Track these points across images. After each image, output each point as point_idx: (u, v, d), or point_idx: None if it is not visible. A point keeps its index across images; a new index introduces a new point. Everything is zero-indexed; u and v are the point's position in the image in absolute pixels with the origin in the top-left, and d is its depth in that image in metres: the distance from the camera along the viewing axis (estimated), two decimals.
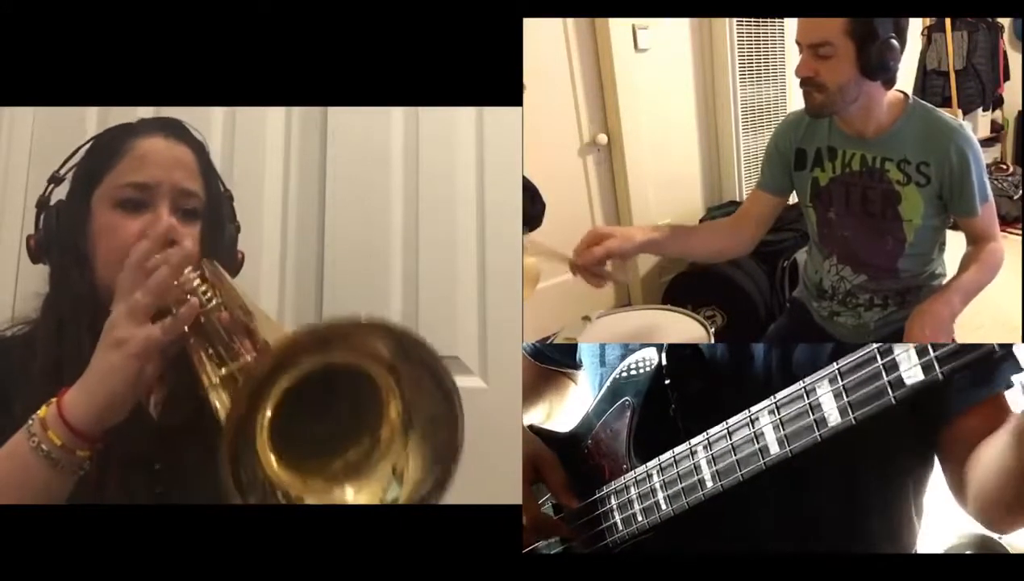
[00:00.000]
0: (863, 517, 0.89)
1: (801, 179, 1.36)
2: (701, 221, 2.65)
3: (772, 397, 0.77)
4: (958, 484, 0.87)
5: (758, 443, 0.78)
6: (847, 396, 0.73)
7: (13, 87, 1.10)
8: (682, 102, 2.62)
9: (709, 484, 0.82)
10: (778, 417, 0.76)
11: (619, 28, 2.32)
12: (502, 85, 1.18)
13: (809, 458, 0.76)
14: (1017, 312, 1.48)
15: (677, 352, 0.90)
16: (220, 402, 0.75)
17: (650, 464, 0.87)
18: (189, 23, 1.10)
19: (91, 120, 1.54)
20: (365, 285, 1.54)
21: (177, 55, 1.10)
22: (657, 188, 2.56)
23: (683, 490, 0.84)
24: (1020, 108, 3.74)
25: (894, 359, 0.70)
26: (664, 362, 0.90)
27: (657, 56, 2.46)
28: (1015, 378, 0.73)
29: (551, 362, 1.20)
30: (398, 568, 0.81)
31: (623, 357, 0.96)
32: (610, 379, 0.95)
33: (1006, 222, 2.92)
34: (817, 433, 0.74)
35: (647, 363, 0.92)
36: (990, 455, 0.80)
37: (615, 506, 0.90)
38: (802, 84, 1.24)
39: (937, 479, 0.94)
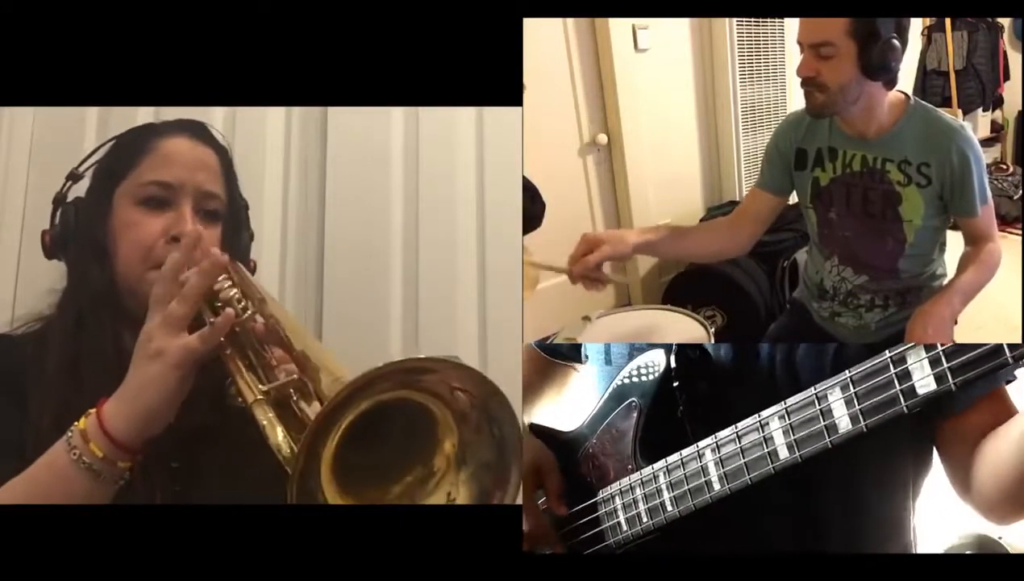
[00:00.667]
0: (863, 516, 0.89)
1: (802, 179, 1.35)
2: (701, 221, 2.64)
3: (783, 403, 0.77)
4: (961, 478, 0.87)
5: (767, 447, 0.78)
6: (858, 404, 0.73)
7: (13, 87, 1.10)
8: (682, 102, 2.62)
9: (716, 487, 0.81)
10: (788, 422, 0.76)
11: (619, 28, 2.31)
12: (502, 85, 1.17)
13: (810, 458, 0.76)
14: (1017, 312, 1.48)
15: (685, 354, 0.90)
16: (266, 419, 0.76)
17: (656, 465, 0.87)
18: (189, 23, 1.10)
19: (91, 120, 1.54)
20: (365, 285, 1.54)
21: (177, 55, 1.10)
22: (657, 188, 2.56)
23: (690, 492, 0.84)
24: (1020, 108, 3.74)
25: (907, 368, 0.70)
26: (673, 364, 0.90)
27: (657, 56, 2.46)
28: (1017, 372, 0.73)
29: (557, 357, 1.20)
30: (398, 568, 0.81)
31: (629, 356, 0.96)
32: (616, 381, 0.95)
33: (1006, 222, 2.92)
34: (828, 439, 0.74)
35: (654, 367, 0.91)
36: (998, 450, 0.80)
37: (620, 506, 0.90)
38: (803, 84, 1.24)
39: (937, 479, 0.94)
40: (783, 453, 0.77)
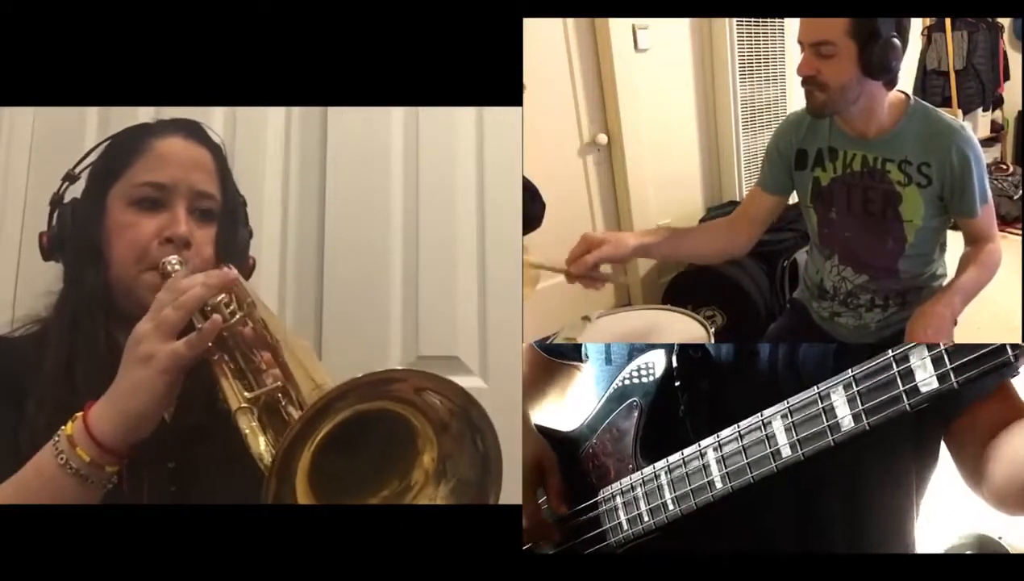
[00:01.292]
0: (865, 515, 0.89)
1: (802, 179, 1.35)
2: (701, 221, 2.65)
3: (785, 402, 0.77)
4: (974, 472, 0.87)
5: (770, 446, 0.78)
6: (861, 402, 0.73)
7: (13, 87, 1.10)
8: (682, 102, 2.62)
9: (719, 485, 0.81)
10: (791, 421, 0.76)
11: (619, 28, 2.31)
12: (502, 85, 1.17)
13: (812, 457, 0.76)
14: (1017, 312, 1.48)
15: (687, 354, 0.90)
16: (248, 427, 0.76)
17: (658, 464, 0.87)
18: (189, 23, 1.10)
19: (91, 120, 1.54)
20: (365, 285, 1.54)
21: (177, 55, 1.10)
22: (657, 188, 2.56)
23: (692, 491, 0.83)
24: (1020, 108, 3.74)
25: (910, 367, 0.70)
26: (675, 363, 0.90)
27: (657, 56, 2.46)
28: (1021, 369, 0.73)
29: (559, 357, 1.20)
30: (398, 568, 0.81)
31: (629, 356, 0.96)
32: (616, 381, 0.95)
33: (1006, 222, 2.92)
34: (830, 438, 0.74)
35: (655, 367, 0.91)
36: (1012, 443, 0.81)
37: (620, 505, 0.90)
38: (804, 83, 1.24)
39: (937, 479, 0.94)
40: (786, 452, 0.77)
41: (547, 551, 0.97)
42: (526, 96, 1.36)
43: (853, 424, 0.73)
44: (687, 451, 0.84)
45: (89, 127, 1.54)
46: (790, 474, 0.79)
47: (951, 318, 1.18)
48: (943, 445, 0.93)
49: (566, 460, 0.98)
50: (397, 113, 1.58)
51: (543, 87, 2.13)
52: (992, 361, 0.66)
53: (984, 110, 3.76)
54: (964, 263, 1.25)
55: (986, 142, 3.75)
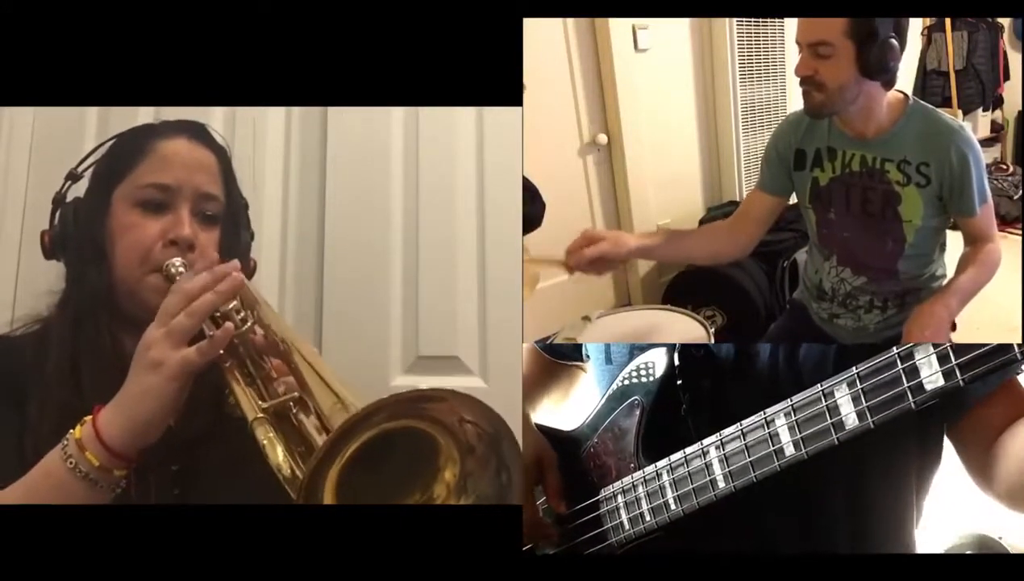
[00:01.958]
0: (868, 514, 0.89)
1: (801, 180, 1.35)
2: (701, 221, 2.65)
3: (788, 399, 0.77)
4: (982, 469, 0.87)
5: (773, 444, 0.77)
6: (866, 400, 0.73)
7: (13, 87, 1.10)
8: (682, 102, 2.62)
9: (721, 484, 0.81)
10: (794, 419, 0.76)
11: (619, 28, 2.32)
12: (502, 85, 1.17)
13: (816, 455, 0.76)
14: (1017, 312, 1.48)
15: (689, 353, 0.90)
16: (266, 438, 0.76)
17: (659, 463, 0.87)
18: (189, 23, 1.10)
19: (91, 120, 1.54)
20: (365, 285, 1.54)
21: (177, 55, 1.10)
22: (657, 188, 2.56)
23: (694, 490, 0.83)
24: (1020, 108, 3.74)
25: (914, 364, 0.70)
26: (677, 363, 0.90)
27: (657, 56, 2.46)
28: None
29: (561, 357, 1.20)
30: (398, 568, 0.81)
31: (630, 355, 0.96)
32: (618, 380, 0.95)
33: (1006, 222, 2.92)
34: (834, 436, 0.74)
35: (656, 366, 0.91)
36: (1022, 440, 0.80)
37: (622, 505, 0.90)
38: (802, 83, 1.24)
39: (938, 480, 0.94)
40: (789, 450, 0.77)
41: (547, 551, 0.97)
42: (526, 96, 1.36)
43: (857, 422, 0.73)
44: (689, 450, 0.84)
45: (89, 127, 1.54)
46: (792, 473, 0.79)
47: (949, 319, 1.18)
48: (946, 445, 0.93)
49: (567, 459, 0.98)
50: (397, 113, 1.58)
51: (543, 87, 2.13)
52: (998, 358, 0.66)
53: (984, 110, 3.76)
54: (963, 263, 1.25)
55: (986, 142, 3.75)
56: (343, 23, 1.12)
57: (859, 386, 0.72)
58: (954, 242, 1.33)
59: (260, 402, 0.80)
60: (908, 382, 0.70)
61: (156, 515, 0.85)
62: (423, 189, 1.56)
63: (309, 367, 0.79)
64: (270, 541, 0.80)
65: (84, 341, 0.94)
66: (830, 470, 0.84)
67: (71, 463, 0.78)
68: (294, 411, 0.79)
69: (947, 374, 0.67)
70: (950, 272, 1.31)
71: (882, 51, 1.18)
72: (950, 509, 0.89)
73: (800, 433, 0.76)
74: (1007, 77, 3.69)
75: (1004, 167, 3.71)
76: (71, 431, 0.80)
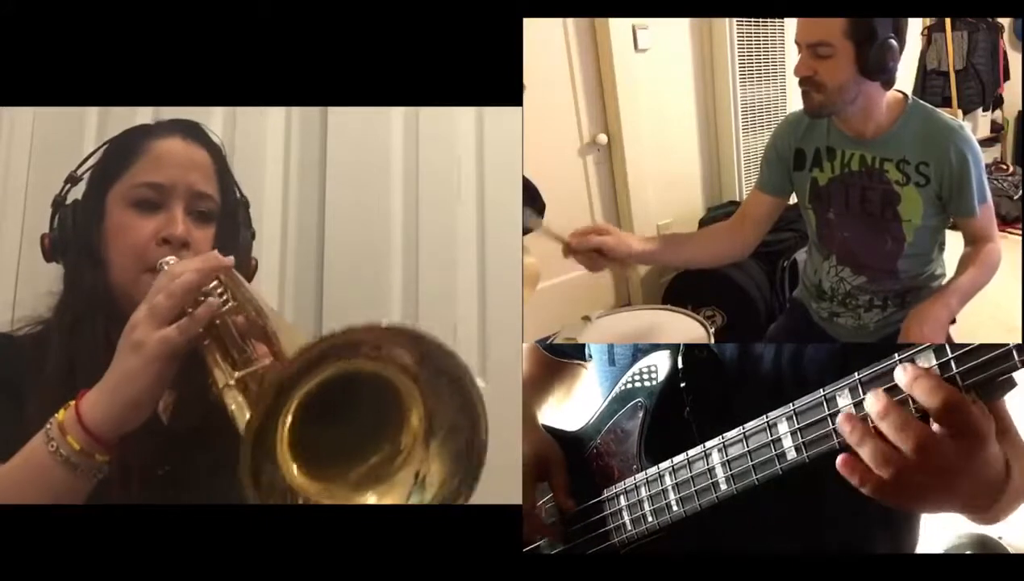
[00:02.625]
0: (870, 518, 0.89)
1: (800, 179, 1.36)
2: (701, 221, 2.65)
3: (791, 404, 0.77)
4: None
5: (775, 449, 0.77)
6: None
7: (13, 87, 1.10)
8: (682, 102, 2.62)
9: (723, 487, 0.81)
10: (797, 425, 0.76)
11: (619, 28, 2.31)
12: (502, 85, 1.17)
13: (817, 459, 0.76)
14: (1017, 312, 1.48)
15: (693, 355, 0.90)
16: (235, 403, 0.75)
17: (663, 465, 0.87)
18: (189, 23, 1.10)
19: (91, 120, 1.54)
20: (365, 285, 1.54)
21: (177, 55, 1.10)
22: (657, 188, 2.56)
23: (696, 492, 0.83)
24: (1020, 108, 3.74)
25: None
26: (680, 364, 0.90)
27: (657, 56, 2.46)
28: (1018, 379, 0.73)
29: (562, 356, 1.20)
30: (398, 568, 0.81)
31: (632, 357, 0.96)
32: (621, 383, 0.95)
33: (1006, 222, 2.92)
34: (835, 441, 0.74)
35: (659, 369, 0.91)
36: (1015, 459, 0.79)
37: (624, 506, 0.90)
38: (801, 84, 1.24)
39: None
40: (791, 455, 0.77)
41: (550, 551, 0.97)
42: (526, 96, 1.36)
43: None
44: (692, 452, 0.84)
45: (89, 127, 1.54)
46: (793, 476, 0.79)
47: (947, 318, 1.18)
48: None
49: (571, 460, 0.98)
50: (397, 113, 1.58)
51: (543, 87, 2.13)
52: (999, 365, 0.65)
53: (984, 110, 3.76)
54: (963, 263, 1.25)
55: (986, 142, 3.75)
56: (343, 23, 1.12)
57: (861, 392, 0.72)
58: (954, 242, 1.33)
59: (234, 372, 0.79)
60: None
61: (147, 516, 0.84)
62: (423, 189, 1.56)
63: (291, 348, 0.78)
64: (268, 541, 0.81)
65: (81, 343, 0.94)
66: (831, 472, 0.84)
67: (52, 446, 0.78)
68: None
69: (949, 382, 0.67)
70: (950, 271, 1.31)
71: (881, 51, 1.18)
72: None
73: (802, 438, 0.76)
74: (1007, 77, 3.69)
75: (1004, 167, 3.71)
76: (55, 415, 0.80)
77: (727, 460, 0.81)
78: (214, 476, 0.90)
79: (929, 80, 3.59)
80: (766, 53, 2.69)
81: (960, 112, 3.51)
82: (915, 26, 3.45)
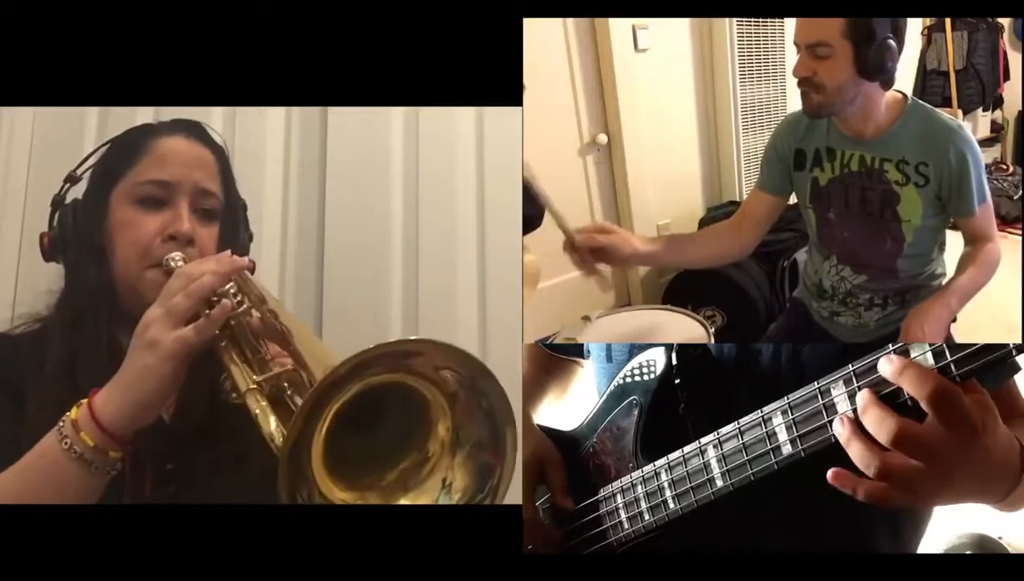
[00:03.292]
0: (865, 516, 0.89)
1: (800, 180, 1.36)
2: (701, 221, 2.65)
3: (785, 398, 0.76)
4: None
5: (770, 443, 0.77)
6: None
7: (13, 87, 1.11)
8: (682, 102, 2.62)
9: (719, 483, 0.81)
10: (791, 418, 0.76)
11: (619, 28, 2.32)
12: (502, 85, 1.18)
13: (813, 454, 0.76)
14: (1017, 312, 1.48)
15: (687, 352, 0.90)
16: (259, 407, 0.76)
17: (658, 463, 0.87)
18: (189, 23, 1.10)
19: (91, 120, 1.54)
20: (365, 285, 1.54)
21: (177, 55, 1.10)
22: (657, 188, 2.56)
23: (692, 489, 0.83)
24: (1020, 108, 3.74)
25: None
26: (675, 362, 0.90)
27: (657, 56, 2.46)
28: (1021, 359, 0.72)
29: (561, 352, 1.20)
30: (398, 568, 0.81)
31: (630, 354, 0.96)
32: (616, 379, 0.95)
33: (1006, 222, 2.92)
34: (831, 434, 0.74)
35: (653, 364, 0.91)
36: None
37: (621, 505, 0.90)
38: (800, 84, 1.24)
39: None
40: (786, 449, 0.76)
41: (549, 551, 0.97)
42: (526, 96, 1.36)
43: None
44: (687, 449, 0.84)
45: (89, 127, 1.54)
46: (790, 472, 0.79)
47: (947, 317, 1.18)
48: None
49: (567, 459, 0.98)
50: (397, 113, 1.58)
51: (543, 87, 2.13)
52: (992, 356, 0.65)
53: (984, 110, 3.76)
54: (963, 263, 1.25)
55: (986, 142, 3.75)
56: (343, 23, 1.12)
57: (855, 383, 0.72)
58: (954, 242, 1.33)
59: (253, 375, 0.80)
60: None
61: (151, 514, 0.85)
62: (423, 189, 1.56)
63: (308, 349, 0.79)
64: (269, 541, 0.81)
65: (82, 339, 0.95)
66: (828, 468, 0.84)
67: (66, 444, 0.78)
68: (288, 392, 0.79)
69: (942, 371, 0.67)
70: (950, 271, 1.31)
71: (880, 52, 1.18)
72: (950, 509, 0.89)
73: (797, 431, 0.75)
74: (1007, 77, 3.69)
75: (1004, 167, 3.71)
76: (68, 413, 0.80)
77: (723, 456, 0.81)
78: (216, 475, 0.90)
79: (929, 80, 3.59)
80: (766, 53, 2.69)
81: (960, 112, 3.51)
82: (915, 26, 3.46)
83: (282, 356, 0.83)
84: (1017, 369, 0.86)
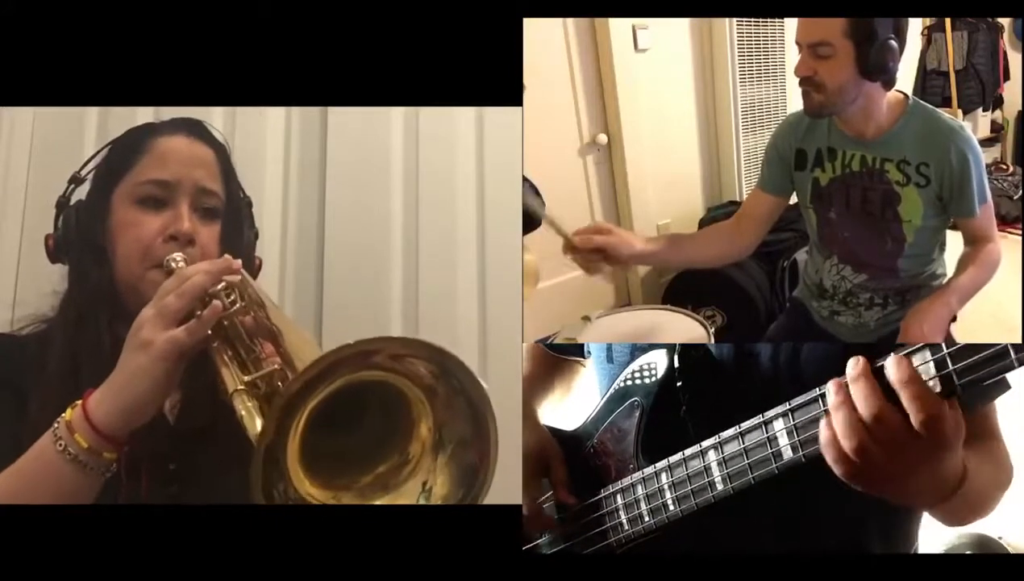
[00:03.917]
0: (867, 517, 0.89)
1: (801, 180, 1.36)
2: (701, 221, 2.65)
3: (787, 403, 0.76)
4: None
5: (771, 447, 0.77)
6: None
7: (13, 87, 1.11)
8: (682, 102, 2.62)
9: (719, 486, 0.81)
10: (792, 423, 0.76)
11: (619, 28, 2.32)
12: (502, 85, 1.18)
13: (814, 458, 0.76)
14: (1016, 312, 1.48)
15: (689, 354, 0.90)
16: (244, 408, 0.75)
17: (659, 464, 0.87)
18: (189, 23, 1.10)
19: (91, 120, 1.54)
20: (365, 285, 1.54)
21: (177, 55, 1.10)
22: (657, 188, 2.56)
23: (692, 491, 0.83)
24: (1020, 108, 3.74)
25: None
26: (676, 363, 0.90)
27: (657, 56, 2.46)
28: (1013, 382, 0.72)
29: (562, 352, 1.20)
30: (398, 568, 0.81)
31: (631, 355, 0.96)
32: (618, 381, 0.95)
33: (1006, 222, 2.92)
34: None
35: (656, 367, 0.91)
36: (979, 464, 0.80)
37: (621, 505, 0.90)
38: (801, 84, 1.24)
39: None
40: (787, 453, 0.76)
41: (546, 543, 0.97)
42: (526, 96, 1.36)
43: None
44: (688, 451, 0.84)
45: (89, 127, 1.54)
46: (791, 474, 0.79)
47: (947, 317, 1.18)
48: None
49: (569, 459, 0.98)
50: (397, 113, 1.58)
51: (543, 87, 2.13)
52: (995, 364, 0.65)
53: (984, 110, 3.76)
54: (963, 263, 1.25)
55: (986, 142, 3.75)
56: (343, 23, 1.12)
57: None
58: (954, 242, 1.33)
59: (243, 376, 0.79)
60: None
61: (152, 515, 0.85)
62: (423, 189, 1.56)
63: (298, 350, 0.79)
64: (269, 541, 0.81)
65: (85, 340, 0.95)
66: (827, 473, 0.84)
67: (60, 445, 0.78)
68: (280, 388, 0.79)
69: (945, 379, 0.67)
70: (950, 271, 1.31)
71: (881, 51, 1.18)
72: None
73: (798, 436, 0.75)
74: (1007, 77, 3.69)
75: (1004, 167, 3.71)
76: (62, 414, 0.80)
77: (723, 459, 0.81)
78: (218, 475, 0.90)
79: (929, 80, 3.59)
80: (766, 53, 2.69)
81: (960, 112, 3.51)
82: (915, 26, 3.45)
83: (275, 355, 0.83)
84: (1007, 388, 0.86)
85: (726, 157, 2.73)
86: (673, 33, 2.52)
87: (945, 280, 1.32)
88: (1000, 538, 1.65)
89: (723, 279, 2.33)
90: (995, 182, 3.36)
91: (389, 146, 1.58)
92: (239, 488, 0.81)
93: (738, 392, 0.88)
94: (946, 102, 3.51)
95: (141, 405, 0.80)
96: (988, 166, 1.42)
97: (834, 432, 0.69)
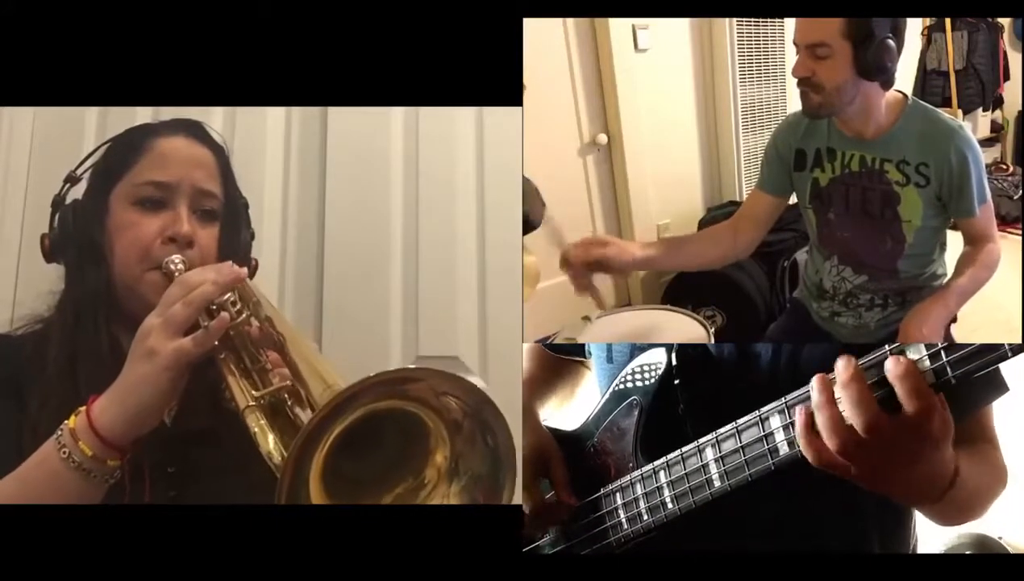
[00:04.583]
0: (865, 514, 0.89)
1: (801, 180, 1.36)
2: (701, 221, 2.65)
3: (783, 398, 0.76)
4: None
5: (767, 443, 0.77)
6: None
7: (13, 87, 1.10)
8: (682, 102, 2.62)
9: (717, 484, 0.81)
10: (789, 419, 0.76)
11: (619, 28, 2.32)
12: (502, 85, 1.18)
13: None
14: (1017, 312, 1.48)
15: (687, 353, 0.90)
16: (257, 426, 0.76)
17: (657, 463, 0.87)
18: (189, 23, 1.10)
19: (91, 120, 1.54)
20: (365, 285, 1.54)
21: (177, 55, 1.10)
22: (657, 188, 2.56)
23: (690, 489, 0.83)
24: (1020, 108, 3.74)
25: None
26: (674, 363, 0.90)
27: (657, 56, 2.46)
28: (1012, 385, 0.73)
29: (565, 353, 1.20)
30: (398, 568, 0.81)
31: (630, 354, 0.96)
32: (617, 380, 0.95)
33: (1006, 222, 2.92)
34: None
35: (655, 367, 0.91)
36: (972, 467, 0.80)
37: (620, 505, 0.90)
38: (799, 84, 1.24)
39: None
40: (783, 449, 0.76)
41: (546, 543, 0.97)
42: (526, 96, 1.36)
43: None
44: (685, 449, 0.84)
45: (89, 127, 1.54)
46: (788, 472, 0.79)
47: (946, 317, 1.18)
48: None
49: (568, 459, 0.98)
50: (397, 113, 1.58)
51: (543, 87, 2.13)
52: (988, 355, 0.65)
53: (984, 110, 3.76)
54: (963, 263, 1.25)
55: (986, 142, 3.75)
56: (343, 23, 1.12)
57: None
58: (954, 242, 1.33)
59: (253, 391, 0.80)
60: None
61: (152, 516, 0.85)
62: (423, 189, 1.56)
63: (304, 359, 0.79)
64: (269, 542, 0.80)
65: (83, 340, 0.94)
66: (824, 471, 0.84)
67: (64, 453, 0.78)
68: (289, 403, 0.79)
69: (938, 372, 0.67)
70: (950, 271, 1.31)
71: (879, 52, 1.18)
72: None
73: (794, 431, 0.75)
74: (1007, 77, 3.69)
75: (1004, 167, 3.71)
76: (66, 421, 0.80)
77: (720, 456, 0.81)
78: (216, 477, 0.90)
79: (929, 80, 3.59)
80: (766, 53, 2.69)
81: (960, 112, 3.51)
82: (915, 26, 3.46)
83: (281, 364, 0.83)
84: (1005, 390, 0.86)
85: (726, 157, 2.73)
86: (673, 33, 2.52)
87: (945, 280, 1.32)
88: (1000, 538, 1.65)
89: (723, 279, 2.33)
90: (995, 182, 3.36)
91: (389, 146, 1.58)
92: (239, 491, 0.81)
93: (737, 392, 0.88)
94: (946, 102, 3.51)
95: (146, 413, 0.80)
96: (988, 166, 1.42)
97: (809, 421, 0.70)
